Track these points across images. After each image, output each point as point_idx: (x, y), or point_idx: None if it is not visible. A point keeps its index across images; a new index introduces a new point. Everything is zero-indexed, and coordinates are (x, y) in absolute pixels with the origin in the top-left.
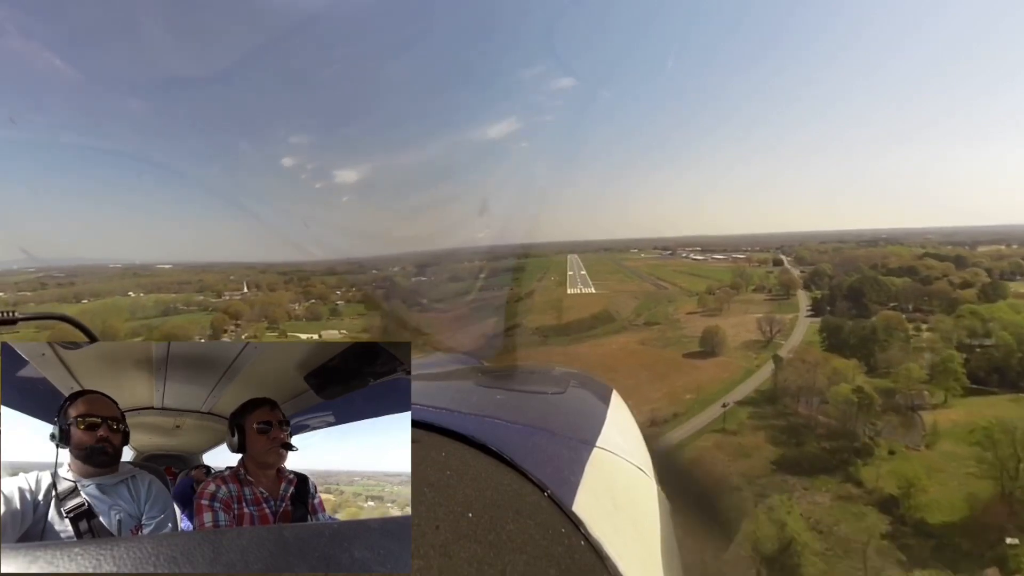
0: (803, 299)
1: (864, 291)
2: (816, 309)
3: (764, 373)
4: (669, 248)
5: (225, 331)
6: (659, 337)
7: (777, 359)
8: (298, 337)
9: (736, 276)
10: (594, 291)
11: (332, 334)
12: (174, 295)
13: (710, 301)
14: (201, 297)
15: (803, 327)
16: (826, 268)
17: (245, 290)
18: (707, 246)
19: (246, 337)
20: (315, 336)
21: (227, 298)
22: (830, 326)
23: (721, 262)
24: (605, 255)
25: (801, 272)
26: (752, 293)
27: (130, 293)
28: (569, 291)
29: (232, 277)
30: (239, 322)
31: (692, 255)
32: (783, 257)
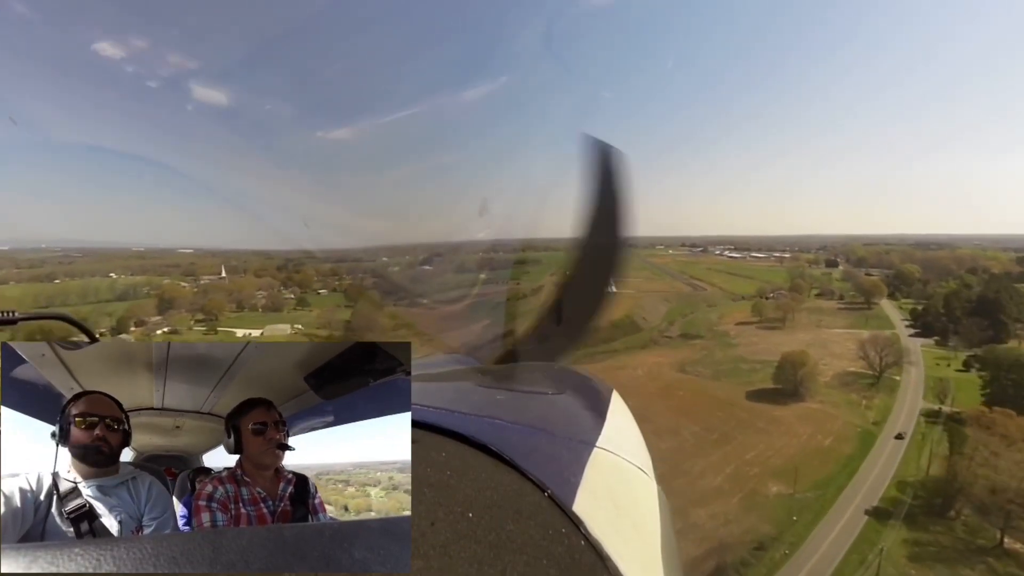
0: (891, 310)
1: (1001, 304)
2: (921, 325)
3: (888, 436)
4: (699, 245)
5: (142, 323)
6: (704, 359)
7: (956, 432)
8: (234, 334)
9: (795, 277)
10: (614, 289)
11: (281, 328)
12: (146, 278)
13: (767, 308)
14: (167, 281)
15: (917, 354)
16: (913, 271)
17: (223, 275)
18: (735, 244)
19: (162, 332)
20: (253, 332)
21: (202, 282)
22: (996, 359)
23: (762, 261)
24: (628, 250)
25: (867, 274)
26: (818, 299)
27: (111, 275)
28: None
29: (234, 263)
30: (166, 313)
31: (727, 253)
32: (837, 258)
